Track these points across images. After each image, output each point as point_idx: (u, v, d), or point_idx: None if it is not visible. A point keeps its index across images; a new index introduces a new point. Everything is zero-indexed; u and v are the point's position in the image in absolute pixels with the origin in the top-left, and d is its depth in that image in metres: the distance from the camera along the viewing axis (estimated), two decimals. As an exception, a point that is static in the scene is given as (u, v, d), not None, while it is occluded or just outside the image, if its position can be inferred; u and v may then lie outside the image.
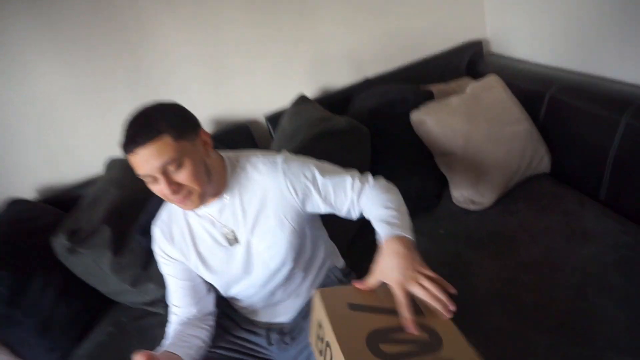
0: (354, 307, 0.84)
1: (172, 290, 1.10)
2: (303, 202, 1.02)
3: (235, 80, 1.78)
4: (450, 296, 0.78)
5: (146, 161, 0.85)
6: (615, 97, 1.32)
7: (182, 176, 0.89)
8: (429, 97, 1.58)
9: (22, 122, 1.68)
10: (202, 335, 1.06)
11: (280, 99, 1.82)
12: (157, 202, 1.39)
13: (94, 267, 1.40)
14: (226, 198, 1.01)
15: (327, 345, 0.77)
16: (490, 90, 1.53)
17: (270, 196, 1.02)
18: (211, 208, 1.02)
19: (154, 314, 1.45)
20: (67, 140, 1.75)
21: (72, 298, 1.43)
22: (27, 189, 1.75)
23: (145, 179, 0.89)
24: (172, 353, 0.96)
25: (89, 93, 1.70)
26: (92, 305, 1.50)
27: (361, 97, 1.69)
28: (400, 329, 0.80)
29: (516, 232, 1.32)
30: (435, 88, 1.68)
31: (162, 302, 1.45)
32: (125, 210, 1.46)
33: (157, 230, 1.07)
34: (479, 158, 1.43)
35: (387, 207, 0.93)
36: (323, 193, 1.02)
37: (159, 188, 0.90)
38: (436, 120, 1.46)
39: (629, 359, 0.90)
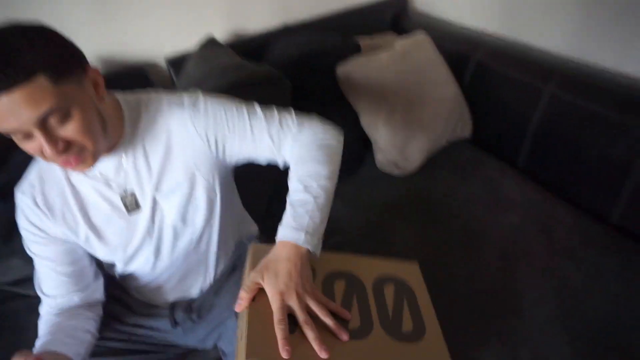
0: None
1: (45, 275, 0.85)
2: (217, 150, 0.83)
3: (130, 12, 1.45)
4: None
5: (12, 112, 0.59)
6: (541, 66, 1.31)
7: (70, 130, 0.64)
8: (356, 50, 1.44)
9: None
10: (91, 328, 0.85)
11: (184, 40, 1.54)
12: (20, 158, 1.10)
13: None
14: (123, 152, 0.79)
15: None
16: (420, 49, 1.44)
17: (177, 145, 0.81)
18: (105, 165, 0.78)
19: (22, 296, 1.18)
20: None
21: None
22: None
23: (13, 136, 0.63)
24: (58, 353, 0.74)
25: None
26: None
27: (280, 45, 1.49)
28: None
29: (440, 199, 1.28)
30: (360, 41, 1.54)
31: (30, 282, 1.18)
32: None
33: (25, 199, 0.80)
34: (406, 119, 1.34)
35: (305, 184, 0.76)
36: (239, 137, 0.83)
37: (34, 146, 0.64)
38: (364, 76, 1.34)
39: (554, 327, 0.89)
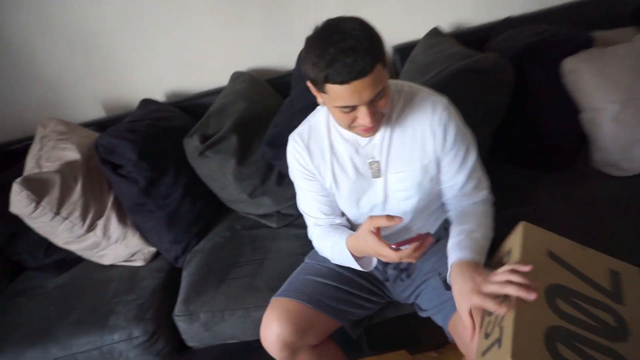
0: (552, 255, 0.83)
1: (307, 203, 1.10)
2: (441, 157, 0.99)
3: (367, 8, 1.69)
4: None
5: (359, 93, 0.80)
6: None
7: (381, 105, 0.86)
8: (588, 44, 1.40)
9: (157, 29, 1.74)
10: None
11: (407, 32, 1.72)
12: (285, 117, 1.42)
13: (218, 172, 1.48)
14: (379, 128, 0.97)
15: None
16: (666, 43, 1.32)
17: (418, 137, 0.98)
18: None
19: (266, 227, 1.52)
20: (196, 50, 1.81)
21: (196, 199, 1.53)
22: (155, 93, 1.85)
23: (343, 110, 0.84)
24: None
25: (222, 7, 1.72)
26: (211, 209, 1.60)
27: (504, 36, 1.54)
28: (586, 297, 0.78)
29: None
30: (598, 37, 1.47)
31: (274, 216, 1.52)
32: (252, 123, 1.51)
33: (296, 143, 1.04)
34: (638, 118, 1.26)
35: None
36: (450, 162, 0.99)
37: (349, 116, 0.86)
38: (595, 69, 1.30)
39: None
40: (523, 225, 0.87)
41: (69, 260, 1.58)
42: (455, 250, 0.92)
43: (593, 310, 0.77)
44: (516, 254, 0.83)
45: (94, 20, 1.72)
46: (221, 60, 1.82)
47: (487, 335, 0.80)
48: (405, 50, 1.64)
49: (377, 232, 0.88)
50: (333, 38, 0.78)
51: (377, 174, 1.02)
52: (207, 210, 1.58)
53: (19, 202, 1.34)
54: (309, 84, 0.88)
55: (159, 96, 1.86)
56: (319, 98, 0.90)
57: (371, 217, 0.87)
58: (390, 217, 0.83)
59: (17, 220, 1.45)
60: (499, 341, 0.72)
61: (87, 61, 1.81)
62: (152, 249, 1.51)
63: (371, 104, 0.84)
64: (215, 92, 1.76)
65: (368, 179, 1.03)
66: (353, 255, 0.98)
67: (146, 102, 1.74)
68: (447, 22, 1.77)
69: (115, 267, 1.52)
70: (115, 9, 1.70)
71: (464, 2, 1.74)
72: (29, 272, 1.61)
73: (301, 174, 1.06)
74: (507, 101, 1.37)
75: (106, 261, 1.52)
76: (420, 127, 0.98)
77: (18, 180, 1.34)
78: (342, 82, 0.78)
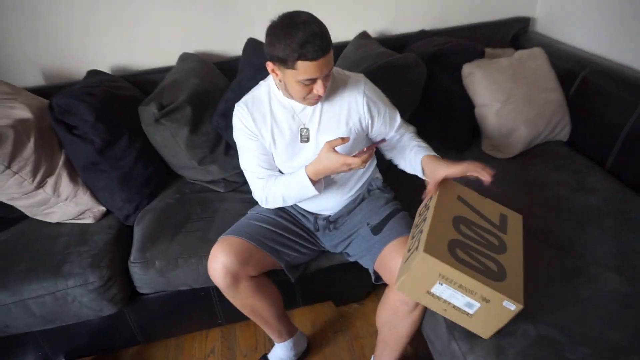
0: (460, 199, 1.18)
1: (248, 160, 1.30)
2: (368, 122, 1.29)
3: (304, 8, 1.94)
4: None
5: (321, 68, 1.05)
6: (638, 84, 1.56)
7: (328, 78, 1.13)
8: (480, 55, 1.79)
9: (105, 1, 1.82)
10: None
11: (340, 33, 2.00)
12: (235, 94, 1.60)
13: (171, 139, 1.62)
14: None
15: (427, 208, 1.13)
16: (535, 60, 1.75)
17: (347, 109, 1.26)
18: (297, 103, 1.23)
19: (214, 191, 1.69)
20: (144, 27, 1.91)
21: (148, 163, 1.65)
22: (99, 65, 1.91)
23: (304, 82, 1.09)
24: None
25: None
26: (161, 174, 1.72)
27: (418, 44, 1.89)
28: (480, 226, 1.12)
29: (532, 179, 1.58)
30: (488, 51, 1.88)
31: (221, 183, 1.70)
32: (204, 98, 1.67)
33: (241, 109, 1.26)
34: (514, 114, 1.67)
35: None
36: (382, 122, 1.31)
37: (307, 89, 1.11)
38: (485, 74, 1.68)
39: (612, 274, 1.17)
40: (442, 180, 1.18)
41: (11, 219, 1.59)
42: (421, 150, 1.27)
43: (484, 234, 1.10)
44: (435, 196, 1.13)
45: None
46: (169, 40, 1.94)
47: (408, 251, 1.08)
48: (338, 48, 1.92)
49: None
50: (299, 26, 1.02)
51: (305, 139, 1.27)
52: (158, 174, 1.70)
53: (-30, 153, 1.36)
54: (271, 64, 1.12)
55: (104, 69, 1.92)
56: (278, 76, 1.14)
57: (327, 141, 1.12)
58: (342, 138, 1.10)
59: None
60: (416, 248, 1.00)
61: (28, 24, 1.82)
62: (102, 208, 1.59)
63: (325, 78, 1.10)
64: (163, 70, 1.89)
65: (298, 143, 1.27)
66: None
67: (96, 73, 1.81)
68: (372, 29, 2.09)
69: (62, 225, 1.57)
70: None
71: (388, 14, 2.08)
72: (-36, 230, 1.59)
73: (245, 135, 1.27)
74: (420, 94, 1.71)
75: (53, 219, 1.57)
76: (346, 97, 1.26)
77: (-29, 130, 1.36)
78: (312, 59, 1.03)
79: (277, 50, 1.05)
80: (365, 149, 1.13)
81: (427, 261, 0.96)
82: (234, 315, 1.59)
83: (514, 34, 2.16)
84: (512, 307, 0.96)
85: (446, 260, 0.96)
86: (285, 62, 1.06)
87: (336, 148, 1.13)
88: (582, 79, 1.73)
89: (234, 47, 1.97)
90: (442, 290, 1.00)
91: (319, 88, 1.10)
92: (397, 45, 1.98)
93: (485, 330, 1.04)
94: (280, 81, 1.16)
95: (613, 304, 1.10)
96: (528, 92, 1.68)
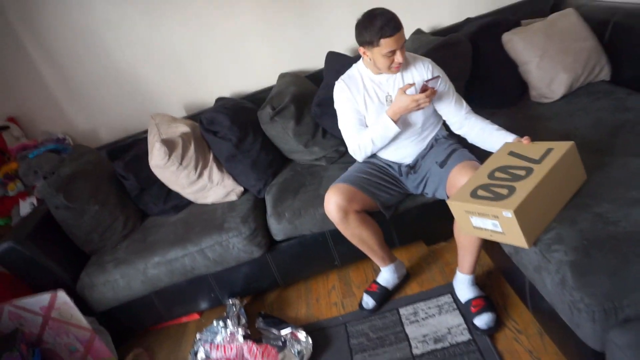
0: (511, 153, 1.48)
1: (350, 119, 1.78)
2: (438, 93, 1.71)
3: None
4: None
5: (397, 41, 1.54)
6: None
7: (404, 51, 1.61)
8: (517, 24, 2.16)
9: (221, 47, 2.53)
10: None
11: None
12: (324, 92, 2.14)
13: (282, 132, 2.19)
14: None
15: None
16: (567, 17, 2.08)
17: (417, 77, 1.72)
18: (382, 77, 1.72)
19: (319, 166, 2.22)
20: (251, 58, 2.58)
21: (268, 151, 2.24)
22: (225, 93, 2.61)
23: (387, 55, 1.56)
24: None
25: (269, 28, 2.51)
26: (278, 159, 2.31)
27: (467, 26, 2.31)
28: (516, 167, 1.38)
29: (574, 112, 1.88)
30: (524, 22, 2.24)
31: (323, 159, 2.22)
32: (302, 99, 2.24)
33: (341, 82, 1.79)
34: (552, 63, 2.00)
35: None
36: (450, 96, 1.72)
37: (389, 60, 1.58)
38: (521, 38, 2.05)
39: (634, 158, 1.46)
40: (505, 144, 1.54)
41: (181, 205, 2.26)
42: (501, 135, 1.62)
43: (514, 171, 1.36)
44: (488, 160, 1.48)
45: (179, 44, 2.49)
46: (269, 65, 2.58)
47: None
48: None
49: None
50: (377, 16, 1.53)
51: (389, 103, 1.73)
52: (276, 159, 2.28)
53: (158, 155, 2.04)
54: (362, 48, 1.63)
55: (226, 95, 2.60)
56: (367, 55, 1.64)
57: (400, 87, 1.60)
58: (409, 84, 1.58)
59: (145, 179, 2.15)
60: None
61: (173, 76, 2.57)
62: (241, 188, 2.20)
63: (401, 49, 1.58)
64: (268, 90, 2.52)
65: (384, 106, 1.74)
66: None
67: (221, 98, 2.48)
68: (426, 26, 2.55)
69: (216, 204, 2.19)
70: (191, 33, 2.47)
71: (441, 9, 2.55)
72: (151, 218, 2.29)
73: (344, 101, 1.77)
74: (469, 65, 2.12)
75: (209, 200, 2.20)
76: (417, 69, 1.72)
77: (159, 140, 2.05)
78: (390, 36, 1.52)
79: (365, 36, 1.57)
80: (427, 86, 1.56)
81: (453, 206, 1.37)
82: (347, 257, 2.08)
83: (552, 4, 2.48)
84: (508, 214, 1.21)
85: (464, 199, 1.33)
86: (372, 43, 1.57)
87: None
88: (613, 24, 2.02)
89: (317, 62, 2.55)
90: (477, 221, 1.33)
91: (398, 57, 1.58)
92: (452, 30, 2.41)
93: (519, 240, 1.26)
94: (370, 60, 1.66)
95: (636, 176, 1.39)
96: (561, 45, 2.01)
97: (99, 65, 2.50)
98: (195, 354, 1.92)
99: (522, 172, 1.34)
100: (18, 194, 2.37)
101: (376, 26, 1.51)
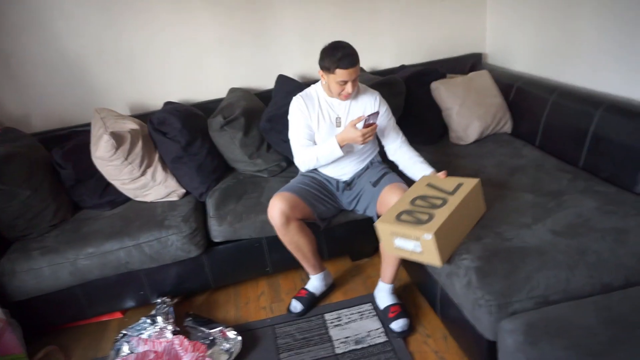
0: (429, 185, 1.73)
1: (297, 134, 1.97)
2: (381, 122, 1.97)
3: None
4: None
5: (351, 74, 1.76)
6: (547, 85, 2.28)
7: (355, 83, 1.84)
8: (443, 76, 2.54)
9: (176, 53, 2.62)
10: None
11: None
12: (272, 109, 2.32)
13: (229, 141, 2.32)
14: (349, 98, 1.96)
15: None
16: (481, 77, 2.50)
17: (366, 105, 1.97)
18: (335, 100, 1.95)
19: (260, 177, 2.36)
20: (204, 70, 2.69)
21: (214, 157, 2.34)
22: (173, 98, 2.67)
23: (340, 84, 1.79)
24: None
25: (226, 42, 2.66)
26: (222, 166, 2.41)
27: (401, 72, 2.65)
28: (433, 197, 1.63)
29: (483, 154, 2.26)
30: (449, 75, 2.64)
31: (265, 171, 2.37)
32: (251, 112, 2.39)
33: (298, 99, 1.98)
34: (468, 112, 2.38)
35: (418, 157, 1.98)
36: (390, 126, 2.00)
37: (340, 88, 1.81)
38: (446, 87, 2.42)
39: (526, 194, 1.82)
40: (425, 177, 1.82)
41: (118, 201, 2.26)
42: (423, 168, 1.91)
43: (432, 200, 1.61)
44: (410, 189, 1.74)
45: (133, 43, 2.54)
46: (221, 78, 2.71)
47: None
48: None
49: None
50: (339, 48, 1.76)
51: (338, 124, 1.97)
52: (220, 166, 2.39)
53: (105, 147, 2.05)
54: (321, 71, 1.85)
55: (174, 100, 2.67)
56: (324, 78, 1.86)
57: (351, 120, 1.82)
58: (360, 117, 1.79)
59: (83, 170, 2.15)
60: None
61: (122, 74, 2.59)
62: (183, 190, 2.26)
63: (353, 82, 1.82)
64: (217, 101, 2.63)
65: (334, 126, 1.97)
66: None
67: (171, 103, 2.55)
68: (367, 66, 2.87)
69: (156, 202, 2.23)
70: (147, 35, 2.54)
71: (382, 53, 2.88)
72: (84, 210, 2.25)
73: (298, 115, 1.96)
74: (403, 103, 2.44)
75: (149, 198, 2.23)
76: (366, 99, 1.98)
77: (107, 132, 2.06)
78: (345, 68, 1.75)
79: (325, 62, 1.79)
80: (368, 124, 1.81)
81: (380, 227, 1.57)
82: (279, 265, 2.23)
83: (470, 64, 2.93)
84: (429, 237, 1.40)
85: (390, 222, 1.52)
86: (329, 69, 1.79)
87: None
88: (517, 88, 2.47)
89: (267, 82, 2.73)
90: (399, 242, 1.52)
91: (348, 88, 1.82)
92: (387, 73, 2.73)
93: (435, 259, 1.46)
94: (325, 82, 1.88)
95: (526, 206, 1.74)
96: (477, 98, 2.41)
97: (43, 49, 2.44)
98: (118, 351, 1.91)
99: (439, 202, 1.58)
100: None
101: (336, 57, 1.74)
